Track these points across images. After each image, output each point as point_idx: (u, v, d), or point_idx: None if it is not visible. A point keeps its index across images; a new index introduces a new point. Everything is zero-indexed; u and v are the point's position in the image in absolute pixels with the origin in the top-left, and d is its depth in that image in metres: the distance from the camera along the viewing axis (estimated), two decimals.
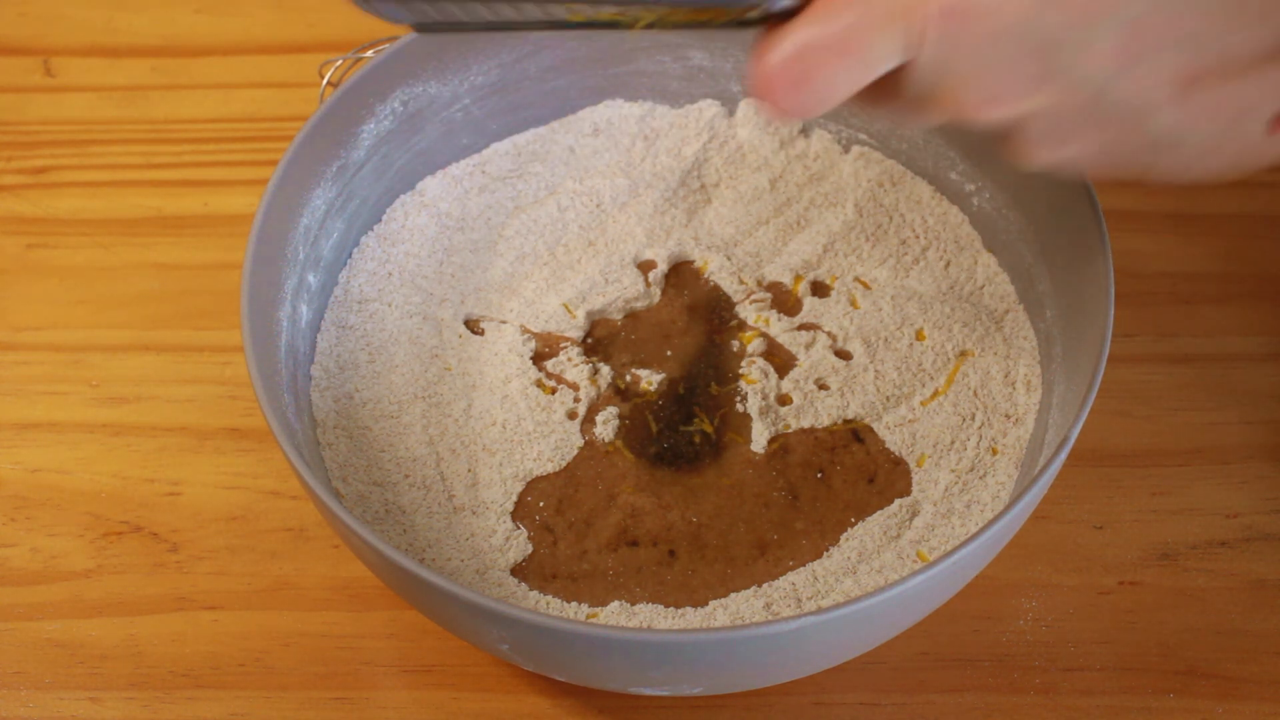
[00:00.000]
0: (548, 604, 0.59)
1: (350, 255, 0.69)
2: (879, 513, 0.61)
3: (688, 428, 0.64)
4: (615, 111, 0.74)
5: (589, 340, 0.68)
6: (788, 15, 0.47)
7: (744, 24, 0.49)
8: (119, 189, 0.81)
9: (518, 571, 0.60)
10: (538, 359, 0.67)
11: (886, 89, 0.48)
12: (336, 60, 0.68)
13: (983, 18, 0.45)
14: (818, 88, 0.47)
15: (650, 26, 0.50)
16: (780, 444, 0.64)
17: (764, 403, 0.65)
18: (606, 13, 0.49)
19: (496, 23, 0.50)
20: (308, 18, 0.88)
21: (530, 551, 0.61)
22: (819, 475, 0.63)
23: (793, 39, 0.47)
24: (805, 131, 0.74)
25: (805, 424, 0.64)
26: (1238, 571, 0.65)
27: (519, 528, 0.61)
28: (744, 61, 0.73)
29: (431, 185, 0.72)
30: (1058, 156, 0.49)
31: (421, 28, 0.50)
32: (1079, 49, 0.45)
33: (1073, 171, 0.51)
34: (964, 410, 0.64)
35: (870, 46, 0.46)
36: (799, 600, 0.59)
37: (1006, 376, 0.65)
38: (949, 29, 0.45)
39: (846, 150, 0.73)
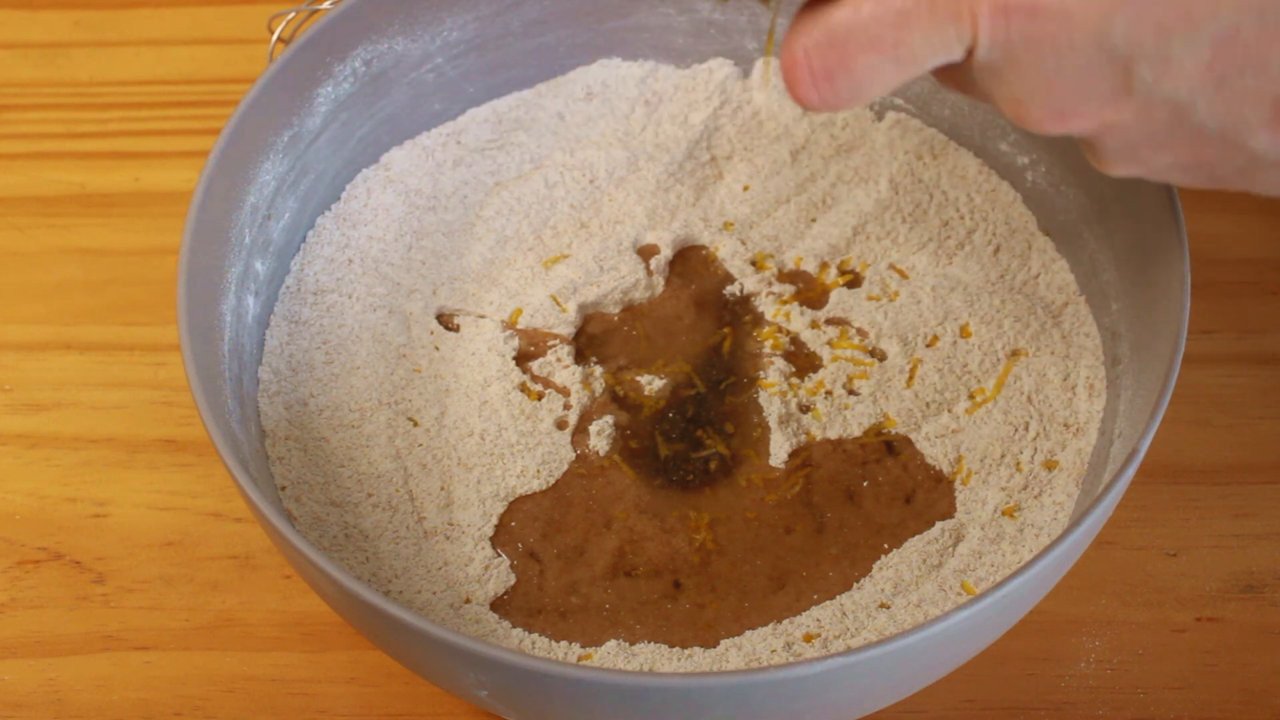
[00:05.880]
0: (533, 643, 0.59)
1: (304, 239, 0.69)
2: (917, 538, 0.62)
3: (699, 453, 0.64)
4: (611, 72, 0.74)
5: (581, 338, 0.68)
6: None
7: None
8: (36, 161, 0.81)
9: (498, 605, 0.60)
10: (521, 359, 0.67)
11: (957, 76, 0.49)
12: (288, 13, 0.68)
13: (1042, 21, 0.45)
14: (852, 80, 0.48)
15: None
16: (803, 458, 0.64)
17: (784, 410, 0.65)
18: None
19: None
20: None
21: (513, 582, 0.61)
22: (848, 494, 0.63)
23: (828, 23, 0.47)
24: None
25: (832, 435, 0.64)
26: None
27: (500, 555, 0.62)
28: (760, 14, 0.73)
29: (398, 158, 0.72)
30: (1140, 171, 0.50)
31: None
32: (1158, 64, 0.45)
33: (1161, 181, 0.51)
34: (1016, 419, 0.64)
35: (913, 42, 0.47)
36: (825, 639, 0.59)
37: (1065, 380, 0.65)
38: (1002, 32, 0.45)
39: (880, 117, 0.73)
